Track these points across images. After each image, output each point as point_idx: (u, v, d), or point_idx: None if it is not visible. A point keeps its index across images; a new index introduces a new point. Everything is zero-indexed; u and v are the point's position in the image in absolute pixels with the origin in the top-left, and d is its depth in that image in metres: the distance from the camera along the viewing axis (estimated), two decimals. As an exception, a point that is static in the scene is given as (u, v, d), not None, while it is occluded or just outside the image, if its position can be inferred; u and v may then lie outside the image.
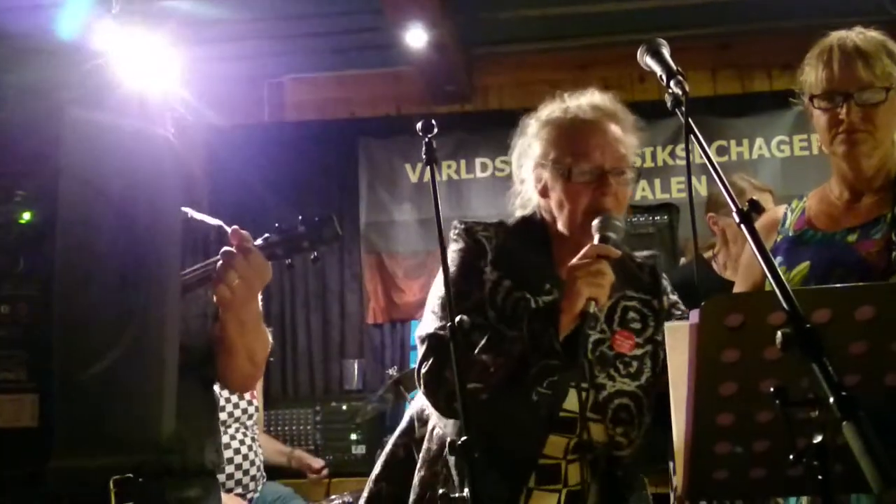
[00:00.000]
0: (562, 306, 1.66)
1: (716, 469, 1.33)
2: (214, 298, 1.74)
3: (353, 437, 4.64)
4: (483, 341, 1.70)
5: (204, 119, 4.47)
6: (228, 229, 2.02)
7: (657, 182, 5.04)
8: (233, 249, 1.67)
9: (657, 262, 1.94)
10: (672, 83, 1.42)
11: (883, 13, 4.11)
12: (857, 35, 1.80)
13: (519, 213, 1.92)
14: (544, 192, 1.83)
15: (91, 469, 1.35)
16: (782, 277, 1.03)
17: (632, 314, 1.83)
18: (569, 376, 1.73)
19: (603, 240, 1.66)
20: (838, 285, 1.54)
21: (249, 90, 5.24)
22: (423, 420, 1.91)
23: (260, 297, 1.97)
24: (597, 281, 1.62)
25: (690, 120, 1.35)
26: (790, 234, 1.92)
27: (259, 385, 4.19)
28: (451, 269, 1.78)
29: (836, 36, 1.82)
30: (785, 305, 0.99)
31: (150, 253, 1.11)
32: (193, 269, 1.79)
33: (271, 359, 4.27)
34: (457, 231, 1.86)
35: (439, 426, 1.83)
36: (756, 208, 1.14)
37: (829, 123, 1.80)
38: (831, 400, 0.92)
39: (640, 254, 1.94)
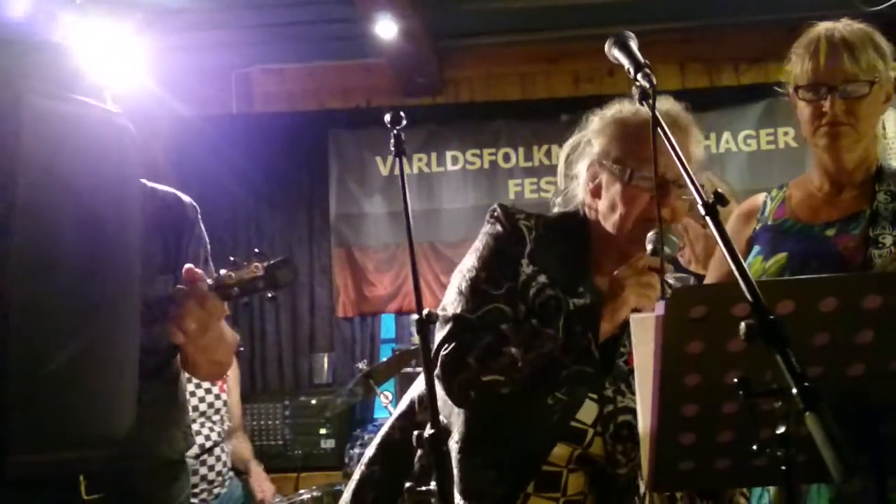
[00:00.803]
0: (604, 311, 1.63)
1: (681, 459, 1.34)
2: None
3: (323, 431, 4.63)
4: (512, 335, 1.65)
5: (170, 109, 4.42)
6: (186, 199, 1.94)
7: (626, 175, 5.07)
8: (188, 292, 1.63)
9: (685, 285, 1.91)
10: (639, 76, 1.42)
11: (851, 8, 4.16)
12: (845, 27, 1.80)
13: (558, 210, 1.86)
14: (596, 192, 1.77)
15: (53, 464, 1.33)
16: (746, 269, 1.03)
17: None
18: (589, 386, 1.69)
19: (654, 252, 1.63)
20: (802, 276, 1.55)
21: (217, 81, 5.18)
22: (425, 404, 1.82)
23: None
24: (646, 292, 1.60)
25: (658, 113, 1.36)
26: (769, 223, 1.92)
27: (236, 381, 4.15)
28: (484, 251, 1.74)
29: (823, 27, 1.81)
30: (748, 297, 1.00)
31: (114, 244, 1.09)
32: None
33: (241, 348, 4.24)
34: (496, 214, 1.78)
35: (443, 414, 1.74)
36: (722, 200, 1.14)
37: (813, 115, 1.80)
38: (794, 391, 0.92)
39: (674, 275, 1.90)
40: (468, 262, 1.76)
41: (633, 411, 1.68)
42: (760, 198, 2.00)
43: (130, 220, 1.13)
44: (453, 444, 1.73)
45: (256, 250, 1.71)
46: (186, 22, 4.47)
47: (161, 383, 1.88)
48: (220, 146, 5.03)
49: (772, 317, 0.97)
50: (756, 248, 1.90)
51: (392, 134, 1.72)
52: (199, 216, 1.95)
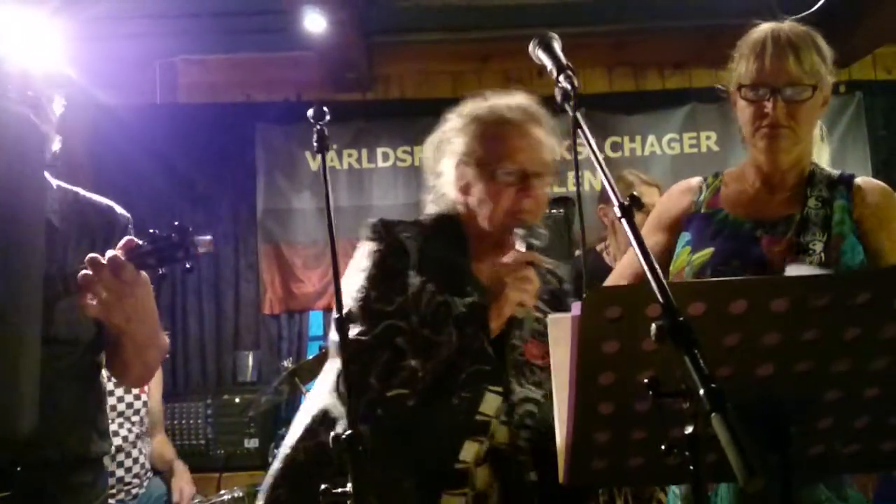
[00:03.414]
0: (490, 311, 1.69)
1: (596, 457, 1.35)
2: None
3: (247, 430, 4.55)
4: (407, 348, 1.68)
5: (91, 98, 4.27)
6: (120, 210, 1.95)
7: (554, 175, 5.12)
8: (100, 259, 1.60)
9: (564, 272, 1.98)
10: (562, 78, 1.42)
11: (771, 15, 4.29)
12: (791, 28, 1.81)
13: (432, 209, 1.90)
14: (465, 190, 1.83)
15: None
16: (658, 271, 1.04)
17: (542, 325, 1.82)
18: (488, 380, 1.74)
19: (528, 247, 1.72)
20: (712, 279, 1.58)
21: (140, 70, 5.03)
22: (328, 422, 1.79)
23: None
24: (525, 286, 1.69)
25: (586, 115, 1.35)
26: (703, 211, 1.93)
27: (158, 380, 4.04)
28: (372, 270, 1.77)
29: (769, 27, 1.82)
30: (659, 298, 1.01)
31: (9, 237, 1.04)
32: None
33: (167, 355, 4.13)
34: (377, 229, 1.82)
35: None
36: (637, 203, 1.15)
37: (754, 116, 1.81)
38: (701, 392, 0.94)
39: (549, 262, 1.95)
40: (356, 283, 1.78)
41: (534, 401, 1.77)
42: (696, 181, 2.01)
43: (31, 217, 1.08)
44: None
45: (175, 223, 1.69)
46: (108, 9, 4.33)
47: (77, 381, 1.83)
48: (143, 137, 4.89)
49: (681, 318, 0.99)
50: (686, 237, 1.91)
51: (315, 129, 1.70)
52: (132, 228, 1.96)
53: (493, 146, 1.79)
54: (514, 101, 1.85)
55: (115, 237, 1.86)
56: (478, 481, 1.76)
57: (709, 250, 1.85)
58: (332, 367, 1.85)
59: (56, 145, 1.92)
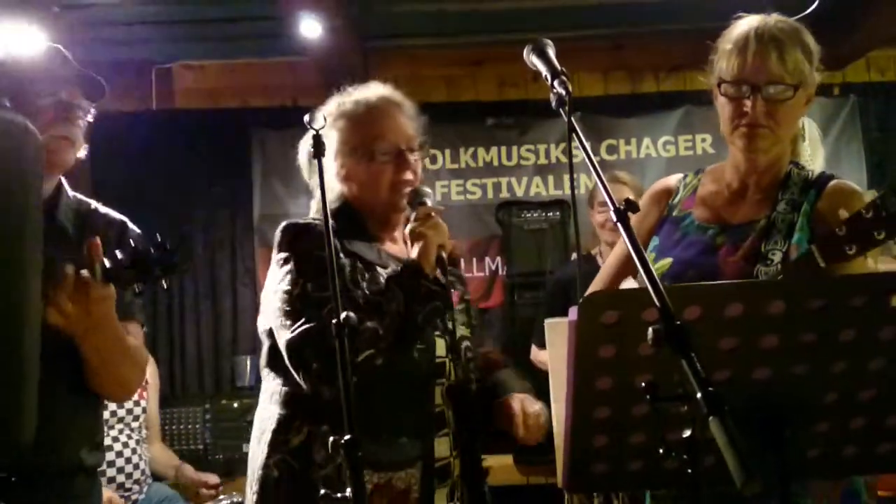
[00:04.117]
0: (419, 260, 1.82)
1: (594, 461, 1.36)
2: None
3: (245, 434, 4.54)
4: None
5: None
6: (132, 226, 1.96)
7: (550, 178, 5.13)
8: (69, 271, 1.60)
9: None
10: (556, 83, 1.43)
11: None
12: (776, 23, 1.74)
13: (315, 207, 1.99)
14: (347, 178, 1.97)
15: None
16: (655, 275, 1.05)
17: (451, 277, 1.97)
18: (433, 326, 1.89)
19: (422, 204, 1.89)
20: (709, 283, 1.58)
21: (137, 76, 5.04)
22: (292, 429, 1.84)
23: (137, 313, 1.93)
24: (439, 230, 1.85)
25: (582, 118, 1.36)
26: (675, 214, 1.91)
27: (156, 387, 4.04)
28: (297, 265, 1.83)
29: (754, 21, 1.76)
30: (656, 302, 1.02)
31: (7, 245, 1.04)
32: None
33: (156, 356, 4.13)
34: (291, 229, 1.91)
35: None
36: (632, 207, 1.16)
37: (734, 113, 1.76)
38: (698, 395, 0.94)
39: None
40: (283, 286, 1.82)
41: (466, 337, 1.99)
42: (674, 181, 1.98)
43: (27, 221, 1.08)
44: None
45: (157, 235, 1.70)
46: (106, 16, 4.34)
47: (72, 393, 1.82)
48: (139, 143, 4.89)
49: (678, 322, 0.99)
50: (655, 241, 1.89)
51: (311, 134, 1.72)
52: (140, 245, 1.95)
53: (365, 131, 1.95)
54: (373, 91, 2.02)
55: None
56: (449, 420, 1.90)
57: (668, 260, 1.83)
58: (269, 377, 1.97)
59: (82, 152, 1.92)
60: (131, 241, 1.76)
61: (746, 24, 1.77)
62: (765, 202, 1.82)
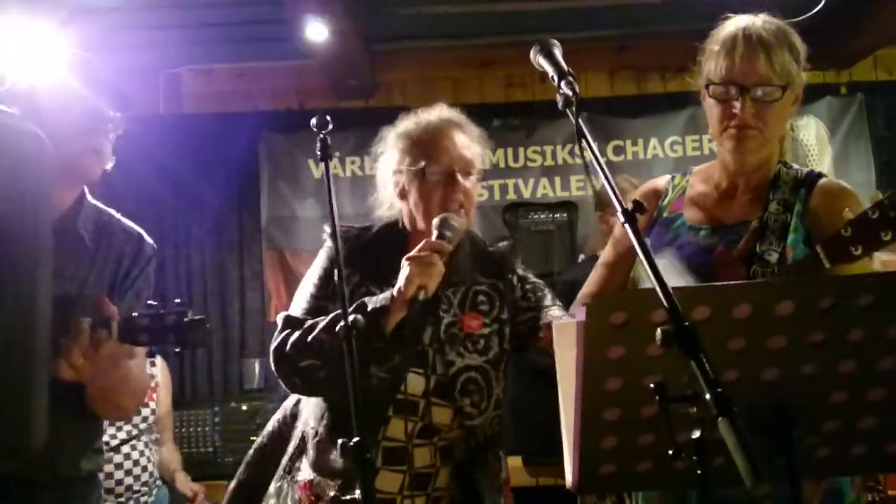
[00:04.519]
0: (395, 293, 1.82)
1: (604, 463, 1.36)
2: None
3: (254, 437, 4.54)
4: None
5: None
6: (148, 239, 1.96)
7: (557, 180, 5.13)
8: (83, 328, 1.61)
9: (507, 249, 2.10)
10: (563, 84, 1.43)
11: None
12: (764, 24, 1.75)
13: (385, 215, 2.09)
14: (402, 195, 2.03)
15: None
16: (662, 275, 1.05)
17: (481, 297, 2.00)
18: (408, 361, 1.88)
19: (440, 237, 1.88)
20: (717, 283, 1.58)
21: (145, 81, 5.05)
22: (294, 415, 2.05)
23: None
24: (427, 271, 1.82)
25: (588, 119, 1.36)
26: (665, 215, 1.91)
27: (167, 390, 4.05)
28: (320, 262, 2.02)
29: (742, 22, 1.77)
30: (664, 303, 1.02)
31: (18, 252, 1.05)
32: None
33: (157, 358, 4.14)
34: (328, 232, 1.98)
35: (305, 413, 2.00)
36: (640, 208, 1.16)
37: (722, 115, 1.77)
38: (707, 396, 0.94)
39: (498, 244, 2.12)
40: (310, 280, 2.02)
41: (476, 367, 1.92)
42: (662, 182, 1.98)
43: (38, 230, 1.09)
44: (309, 429, 1.93)
45: (177, 301, 1.70)
46: (113, 21, 4.35)
47: (72, 400, 1.81)
48: (148, 147, 4.89)
49: (686, 323, 0.99)
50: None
51: (318, 138, 1.75)
52: (154, 260, 2.00)
53: (420, 151, 1.99)
54: (436, 112, 2.06)
55: (138, 266, 1.91)
56: (416, 460, 1.89)
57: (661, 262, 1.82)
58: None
59: (109, 164, 1.95)
60: (148, 300, 1.80)
61: (734, 24, 1.78)
62: (756, 202, 1.82)
